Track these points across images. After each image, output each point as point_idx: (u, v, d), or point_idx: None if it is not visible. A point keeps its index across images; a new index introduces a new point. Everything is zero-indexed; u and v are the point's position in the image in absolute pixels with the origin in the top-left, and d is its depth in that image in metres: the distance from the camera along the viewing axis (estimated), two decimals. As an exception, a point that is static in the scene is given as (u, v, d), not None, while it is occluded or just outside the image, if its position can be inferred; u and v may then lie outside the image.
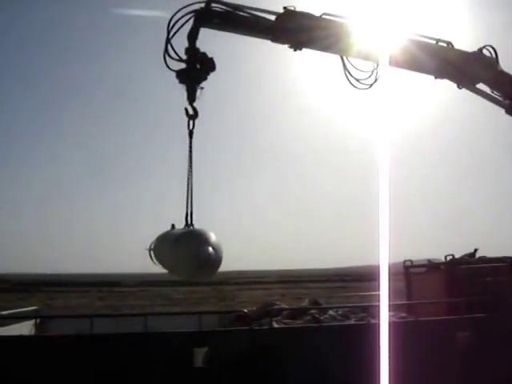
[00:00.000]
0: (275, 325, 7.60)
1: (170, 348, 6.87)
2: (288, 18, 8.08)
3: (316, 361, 7.03)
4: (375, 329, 7.37)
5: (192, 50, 7.81)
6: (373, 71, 8.71)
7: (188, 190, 7.84)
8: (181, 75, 7.83)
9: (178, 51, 7.77)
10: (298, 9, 8.13)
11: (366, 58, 8.55)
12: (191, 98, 7.92)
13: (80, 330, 7.33)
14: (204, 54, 7.86)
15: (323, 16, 8.22)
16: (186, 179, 7.87)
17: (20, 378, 6.60)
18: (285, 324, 7.94)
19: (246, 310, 7.84)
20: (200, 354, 7.21)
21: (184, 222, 7.66)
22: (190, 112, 7.98)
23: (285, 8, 8.06)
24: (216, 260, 6.72)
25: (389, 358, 7.06)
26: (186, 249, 6.86)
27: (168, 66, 7.78)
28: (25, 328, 8.23)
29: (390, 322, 7.82)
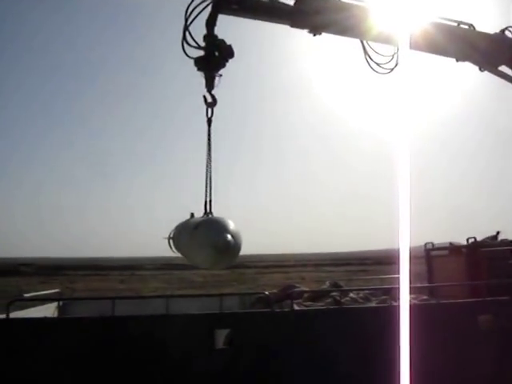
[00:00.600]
0: (296, 307, 7.61)
1: (191, 330, 6.90)
2: (307, 1, 7.96)
3: (337, 343, 7.03)
4: (397, 311, 7.36)
5: (210, 37, 7.71)
6: (393, 55, 8.60)
7: (207, 179, 7.84)
8: (199, 63, 7.77)
9: (195, 38, 7.75)
10: None
11: (387, 41, 8.43)
12: (210, 85, 7.86)
13: (102, 312, 7.40)
14: (222, 41, 7.77)
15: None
16: (205, 167, 7.87)
17: (43, 359, 6.68)
18: (306, 306, 7.95)
19: (266, 292, 7.85)
20: (221, 336, 7.25)
21: (203, 211, 7.70)
22: (209, 100, 7.94)
23: None
24: (235, 248, 6.72)
25: (410, 340, 7.06)
26: (204, 237, 6.87)
27: (186, 54, 7.74)
28: (48, 310, 8.33)
29: (411, 305, 7.82)
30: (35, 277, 63.99)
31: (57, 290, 10.15)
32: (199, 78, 7.82)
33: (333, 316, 7.28)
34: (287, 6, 7.97)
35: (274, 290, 9.56)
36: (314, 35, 8.19)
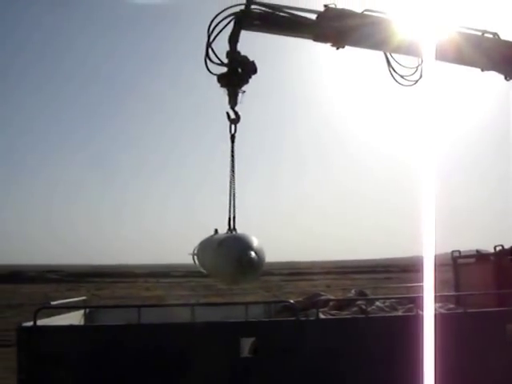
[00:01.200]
0: (322, 316, 7.59)
1: (217, 338, 6.92)
2: (329, 16, 7.95)
3: (363, 352, 7.00)
4: (423, 320, 7.32)
5: (233, 53, 7.74)
6: (417, 67, 8.59)
7: (230, 195, 7.89)
8: (222, 79, 7.78)
9: (216, 54, 7.73)
10: (338, 6, 7.98)
11: (411, 53, 8.42)
12: (233, 101, 7.86)
13: (128, 319, 7.45)
14: (245, 58, 7.79)
15: (365, 12, 8.09)
16: (229, 184, 7.91)
17: (69, 365, 6.74)
18: (331, 315, 7.92)
19: (292, 301, 7.84)
20: (247, 344, 7.26)
21: (227, 227, 7.76)
22: (232, 116, 7.95)
23: (325, 6, 7.92)
24: (258, 265, 6.78)
25: (436, 349, 7.01)
26: (228, 254, 6.93)
27: (209, 70, 7.73)
28: (74, 318, 8.39)
29: (437, 314, 7.76)
30: (62, 284, 64.61)
31: (83, 298, 10.23)
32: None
33: (359, 325, 7.25)
34: (310, 20, 7.97)
35: (300, 299, 9.55)
36: (337, 49, 8.17)
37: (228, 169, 7.86)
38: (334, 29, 7.93)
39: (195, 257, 8.26)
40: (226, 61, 7.76)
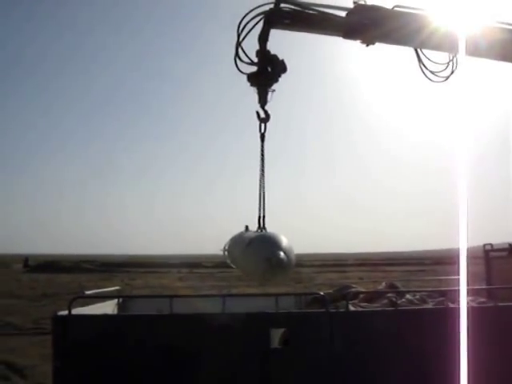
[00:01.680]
0: (352, 308, 7.62)
1: (247, 328, 6.99)
2: (359, 12, 7.88)
3: (391, 345, 7.02)
4: (453, 313, 7.30)
5: (263, 52, 7.76)
6: (449, 62, 8.49)
7: (260, 194, 7.97)
8: (252, 78, 7.83)
9: (246, 53, 7.74)
10: (367, 2, 7.91)
11: (442, 48, 8.32)
12: (263, 100, 7.90)
13: (160, 309, 7.57)
14: (275, 56, 7.81)
15: (395, 8, 8.00)
16: (259, 183, 7.98)
17: (102, 353, 6.88)
18: (361, 307, 7.94)
19: (322, 293, 7.88)
20: (277, 335, 7.33)
21: (257, 225, 7.88)
22: (262, 115, 8.00)
23: (355, 2, 7.88)
24: (287, 264, 6.87)
25: (467, 343, 7.00)
26: (257, 254, 7.02)
27: (239, 69, 7.77)
28: (108, 307, 8.55)
29: (468, 307, 7.73)
30: (96, 274, 65.40)
31: (117, 288, 10.40)
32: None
33: (388, 317, 7.26)
34: (339, 17, 7.93)
35: (330, 291, 9.58)
36: (367, 45, 8.12)
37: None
38: (364, 26, 7.86)
39: (226, 253, 8.38)
40: (255, 60, 7.78)
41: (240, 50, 7.71)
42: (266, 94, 7.86)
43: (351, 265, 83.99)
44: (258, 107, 7.97)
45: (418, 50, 8.38)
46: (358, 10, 7.86)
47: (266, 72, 7.77)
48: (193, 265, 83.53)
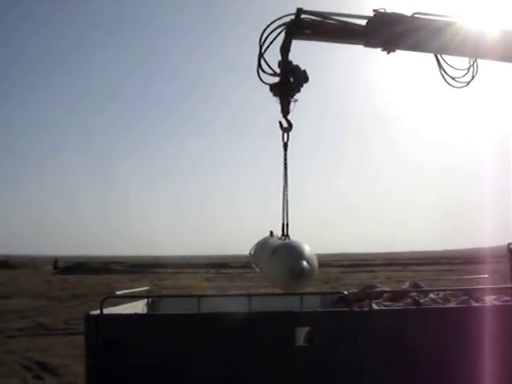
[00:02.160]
0: (375, 307, 7.72)
1: (272, 327, 7.14)
2: (380, 20, 7.96)
3: (414, 343, 7.12)
4: (476, 312, 7.39)
5: (285, 63, 7.89)
6: (469, 68, 8.52)
7: (284, 202, 8.17)
8: (275, 89, 7.96)
9: (269, 64, 7.90)
10: (387, 10, 7.99)
11: (463, 53, 8.36)
12: (285, 110, 8.03)
13: (188, 309, 7.76)
14: (297, 67, 7.92)
15: (415, 15, 8.07)
16: (282, 191, 8.17)
17: (133, 351, 7.09)
18: (385, 306, 8.04)
19: (345, 292, 8.01)
20: (301, 333, 7.47)
21: (281, 232, 8.12)
22: (284, 125, 8.15)
23: (375, 11, 7.95)
24: (310, 273, 7.11)
25: (490, 342, 7.08)
26: (281, 263, 7.25)
27: (262, 80, 7.94)
28: (137, 307, 8.76)
29: (491, 306, 7.80)
30: (125, 274, 66.07)
31: (146, 288, 10.61)
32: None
33: (410, 316, 7.35)
34: (359, 26, 8.02)
35: (355, 290, 9.69)
36: (388, 53, 8.19)
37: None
38: (384, 34, 7.95)
39: (252, 258, 8.59)
40: (277, 70, 7.93)
41: (262, 60, 7.89)
42: (289, 104, 8.00)
43: (380, 264, 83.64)
44: (280, 117, 8.13)
45: (439, 56, 8.42)
46: (378, 19, 7.94)
47: (289, 82, 7.91)
48: (220, 265, 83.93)
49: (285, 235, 8.31)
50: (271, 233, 8.78)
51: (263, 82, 7.98)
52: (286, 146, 8.23)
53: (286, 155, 8.26)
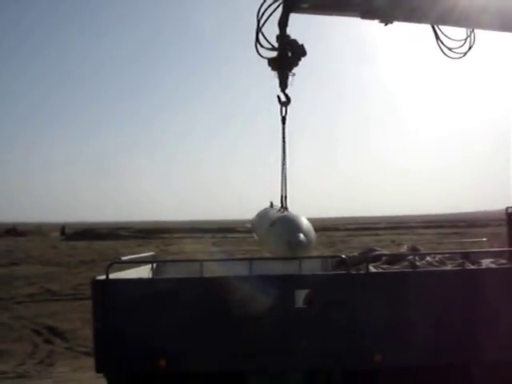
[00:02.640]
0: (372, 269, 7.88)
1: (272, 289, 7.35)
2: None
3: (409, 305, 7.30)
4: (470, 275, 7.56)
5: (283, 37, 7.96)
6: (466, 38, 8.56)
7: (282, 176, 8.32)
8: (273, 63, 8.04)
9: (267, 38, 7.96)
10: None
11: (460, 23, 8.37)
12: (283, 84, 8.15)
13: (191, 273, 7.97)
14: (295, 41, 7.99)
15: None
16: (281, 165, 8.30)
17: (138, 314, 7.35)
18: (382, 269, 8.18)
19: (343, 256, 8.18)
20: (301, 296, 7.68)
21: (280, 204, 8.31)
22: (283, 99, 8.26)
23: None
24: (307, 245, 7.39)
25: (485, 304, 7.26)
26: (279, 235, 7.45)
27: (260, 54, 8.01)
28: (142, 272, 8.98)
29: (487, 269, 7.97)
30: (132, 240, 66.44)
31: (152, 253, 10.81)
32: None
33: (406, 278, 7.51)
34: None
35: (355, 253, 9.84)
36: (386, 25, 8.21)
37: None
38: (382, 5, 7.94)
39: (252, 228, 8.75)
40: (275, 45, 8.00)
41: (260, 35, 7.94)
42: (287, 77, 8.08)
43: (385, 228, 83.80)
44: (278, 91, 8.25)
45: (436, 27, 8.45)
46: None
47: (287, 57, 7.98)
48: (226, 230, 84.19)
49: (283, 207, 8.50)
50: (271, 204, 8.95)
51: (261, 56, 8.04)
52: (284, 119, 8.35)
53: (284, 129, 8.39)
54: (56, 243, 64.90)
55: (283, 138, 8.33)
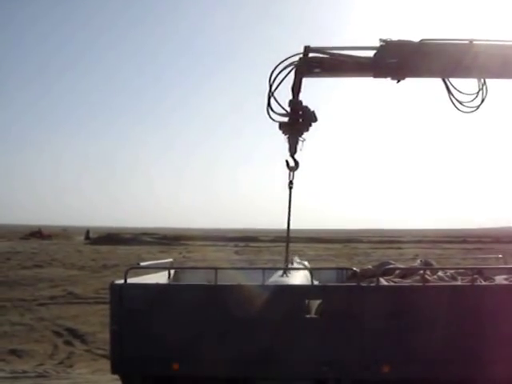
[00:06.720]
0: (384, 282, 7.98)
1: (285, 299, 7.50)
2: (387, 50, 7.94)
3: (418, 319, 7.38)
4: (480, 291, 7.60)
5: (296, 103, 8.02)
6: (478, 91, 8.41)
7: (287, 236, 8.73)
8: (284, 127, 8.11)
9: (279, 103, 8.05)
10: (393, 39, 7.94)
11: (472, 74, 8.28)
12: (293, 149, 8.19)
13: (209, 280, 8.16)
14: (307, 108, 8.06)
15: (422, 42, 7.98)
16: (286, 229, 8.61)
17: (154, 318, 7.54)
18: (394, 282, 8.26)
19: (355, 268, 8.31)
20: (312, 306, 7.82)
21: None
22: (291, 164, 8.32)
23: (381, 40, 7.92)
24: None
25: (496, 320, 7.30)
26: None
27: (271, 118, 8.08)
28: (160, 277, 9.19)
29: (499, 285, 8.00)
30: (155, 246, 66.88)
31: (170, 260, 11.04)
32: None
33: (416, 292, 7.58)
34: (368, 59, 8.02)
35: (369, 266, 9.92)
36: (398, 82, 8.20)
37: None
38: (394, 63, 7.92)
39: None
40: (287, 109, 8.09)
41: (272, 99, 8.03)
42: (297, 142, 8.15)
43: (409, 241, 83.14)
44: (287, 156, 8.32)
45: (447, 81, 8.35)
46: (387, 48, 7.94)
47: (298, 122, 8.04)
48: (249, 239, 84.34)
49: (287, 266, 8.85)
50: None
51: (273, 119, 8.09)
52: (291, 184, 8.39)
53: (290, 194, 8.43)
54: (80, 247, 65.62)
55: (289, 202, 8.43)
